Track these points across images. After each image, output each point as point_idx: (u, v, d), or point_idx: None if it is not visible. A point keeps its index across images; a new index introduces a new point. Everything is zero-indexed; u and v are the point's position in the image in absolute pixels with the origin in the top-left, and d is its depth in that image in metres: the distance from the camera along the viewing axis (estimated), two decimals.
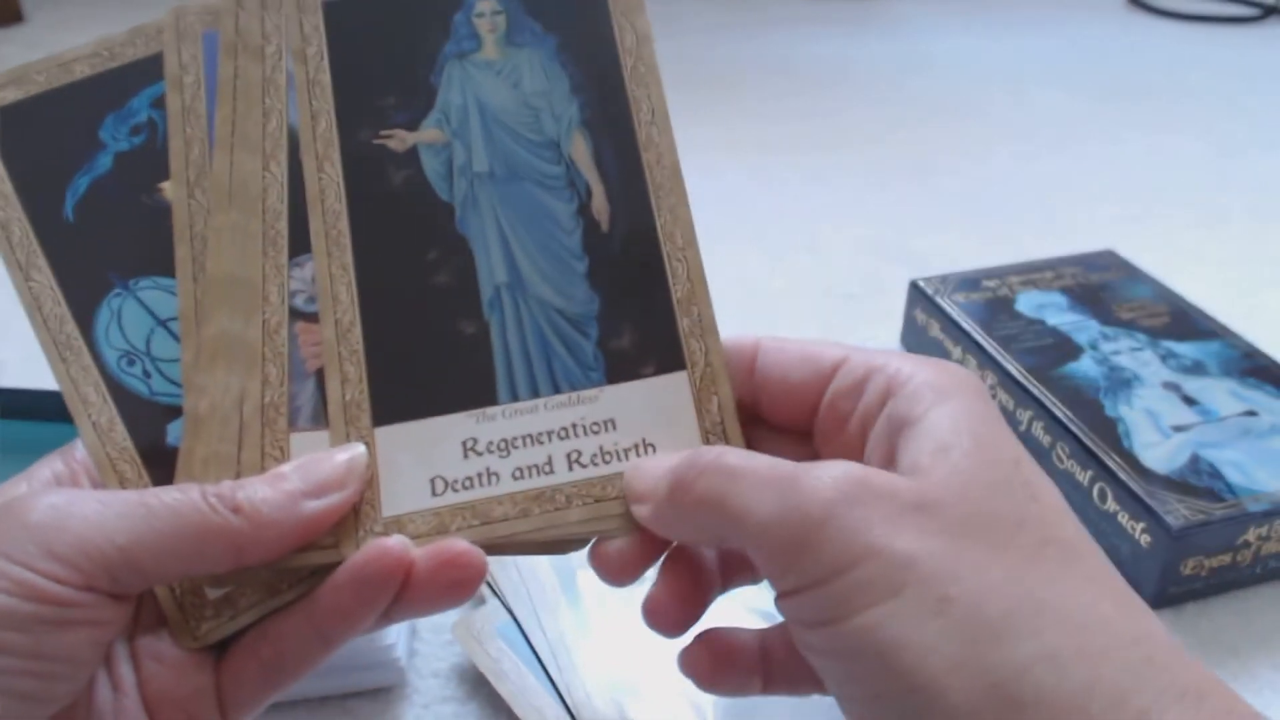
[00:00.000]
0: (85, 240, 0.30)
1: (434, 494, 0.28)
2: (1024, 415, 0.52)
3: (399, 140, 0.31)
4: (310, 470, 0.26)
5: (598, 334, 0.30)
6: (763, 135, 0.98)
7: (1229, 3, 1.38)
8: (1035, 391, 0.52)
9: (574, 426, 0.29)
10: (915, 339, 0.63)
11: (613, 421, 0.29)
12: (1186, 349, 0.55)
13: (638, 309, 0.30)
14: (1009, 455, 0.24)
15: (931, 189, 0.87)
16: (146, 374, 0.29)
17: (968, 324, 0.58)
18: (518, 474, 0.28)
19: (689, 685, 0.30)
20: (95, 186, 0.30)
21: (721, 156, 0.92)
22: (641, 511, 0.27)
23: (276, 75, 0.30)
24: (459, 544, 0.26)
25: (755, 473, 0.24)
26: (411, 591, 0.26)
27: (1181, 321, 0.58)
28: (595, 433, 0.29)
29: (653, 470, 0.27)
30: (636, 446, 0.28)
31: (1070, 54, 1.23)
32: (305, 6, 0.31)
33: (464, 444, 0.28)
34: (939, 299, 0.60)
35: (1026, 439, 0.52)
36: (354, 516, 0.27)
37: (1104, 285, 0.61)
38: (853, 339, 0.65)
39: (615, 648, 0.40)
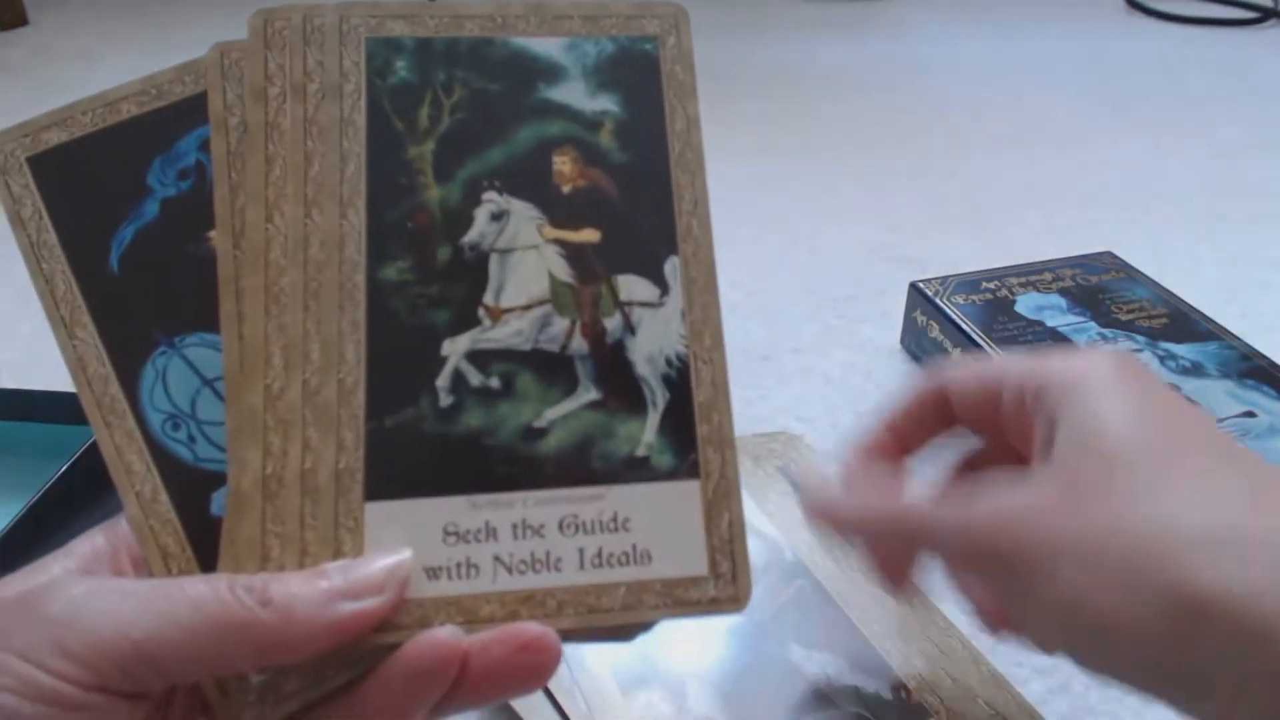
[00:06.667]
0: (131, 295, 0.28)
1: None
2: None
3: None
4: (351, 570, 0.25)
5: None
6: (763, 137, 0.98)
7: (1228, 5, 1.38)
8: None
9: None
10: (915, 341, 0.63)
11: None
12: (1185, 350, 0.55)
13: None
14: (1157, 421, 0.26)
15: (931, 191, 0.87)
16: (191, 439, 0.28)
17: (967, 325, 0.58)
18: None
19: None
20: (141, 236, 0.28)
21: (722, 158, 0.92)
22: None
23: (355, 116, 0.28)
24: (531, 628, 0.24)
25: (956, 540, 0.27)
26: (475, 682, 0.24)
27: (1180, 323, 0.58)
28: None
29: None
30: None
31: (1069, 57, 1.23)
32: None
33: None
34: (939, 300, 0.60)
35: None
36: None
37: (1103, 287, 0.62)
38: (853, 340, 0.65)
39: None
